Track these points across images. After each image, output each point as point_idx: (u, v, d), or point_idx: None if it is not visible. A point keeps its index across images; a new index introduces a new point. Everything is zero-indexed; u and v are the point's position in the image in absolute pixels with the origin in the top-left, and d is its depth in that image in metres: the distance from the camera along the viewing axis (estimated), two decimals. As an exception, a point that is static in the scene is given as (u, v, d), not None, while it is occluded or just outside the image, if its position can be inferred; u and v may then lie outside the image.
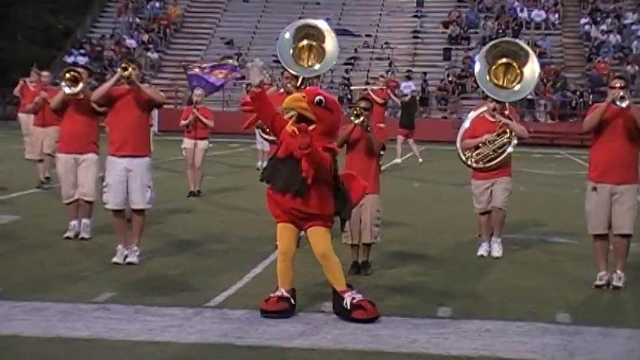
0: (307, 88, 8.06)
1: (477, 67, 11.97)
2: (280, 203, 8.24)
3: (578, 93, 41.35)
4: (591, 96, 39.34)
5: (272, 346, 7.34)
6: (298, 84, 11.05)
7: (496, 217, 11.64)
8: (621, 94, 9.70)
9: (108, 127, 11.09)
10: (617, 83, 9.86)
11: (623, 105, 9.69)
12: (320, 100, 8.11)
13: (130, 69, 10.42)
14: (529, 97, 40.28)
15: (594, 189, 9.97)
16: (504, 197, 11.60)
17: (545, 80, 41.30)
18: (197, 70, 21.59)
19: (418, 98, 40.41)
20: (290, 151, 8.07)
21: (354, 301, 8.15)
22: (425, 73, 43.53)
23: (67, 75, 11.61)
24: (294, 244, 8.45)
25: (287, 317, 8.14)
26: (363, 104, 10.38)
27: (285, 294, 8.28)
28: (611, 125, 9.83)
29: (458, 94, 42.56)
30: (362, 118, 10.15)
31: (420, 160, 26.84)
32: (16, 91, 21.43)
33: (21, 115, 20.95)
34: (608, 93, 10.03)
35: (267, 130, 11.02)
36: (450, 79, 43.29)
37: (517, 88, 11.77)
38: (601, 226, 9.96)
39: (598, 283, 9.92)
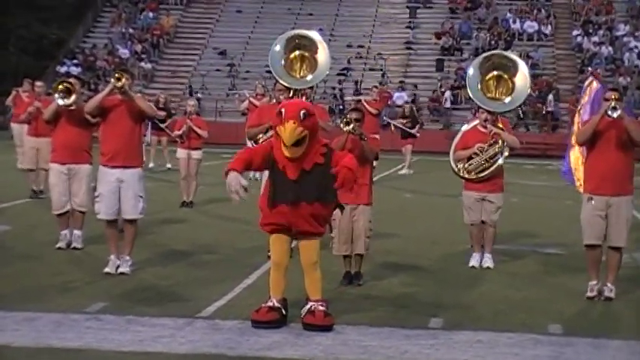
0: (286, 102, 8.25)
1: (470, 75, 12.03)
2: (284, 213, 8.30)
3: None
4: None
5: (263, 357, 7.34)
6: (290, 95, 11.06)
7: (486, 233, 11.68)
8: (613, 104, 9.73)
9: (100, 137, 11.07)
10: (611, 95, 9.89)
11: (615, 115, 9.71)
12: (305, 113, 8.20)
13: (123, 79, 10.42)
14: (550, 108, 40.54)
15: (590, 199, 9.98)
16: (495, 215, 11.65)
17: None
18: None
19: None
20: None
21: (312, 307, 8.24)
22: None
23: (60, 86, 11.60)
24: (288, 255, 8.49)
25: (278, 328, 8.15)
26: (354, 115, 10.41)
27: (277, 304, 8.30)
28: (605, 137, 9.84)
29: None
30: (352, 125, 10.17)
31: (404, 171, 26.98)
32: (9, 101, 21.42)
33: (14, 126, 20.92)
34: (602, 105, 10.05)
35: (261, 141, 11.06)
36: (442, 90, 43.33)
37: (508, 100, 11.87)
38: (596, 236, 9.96)
39: (589, 294, 9.92)
